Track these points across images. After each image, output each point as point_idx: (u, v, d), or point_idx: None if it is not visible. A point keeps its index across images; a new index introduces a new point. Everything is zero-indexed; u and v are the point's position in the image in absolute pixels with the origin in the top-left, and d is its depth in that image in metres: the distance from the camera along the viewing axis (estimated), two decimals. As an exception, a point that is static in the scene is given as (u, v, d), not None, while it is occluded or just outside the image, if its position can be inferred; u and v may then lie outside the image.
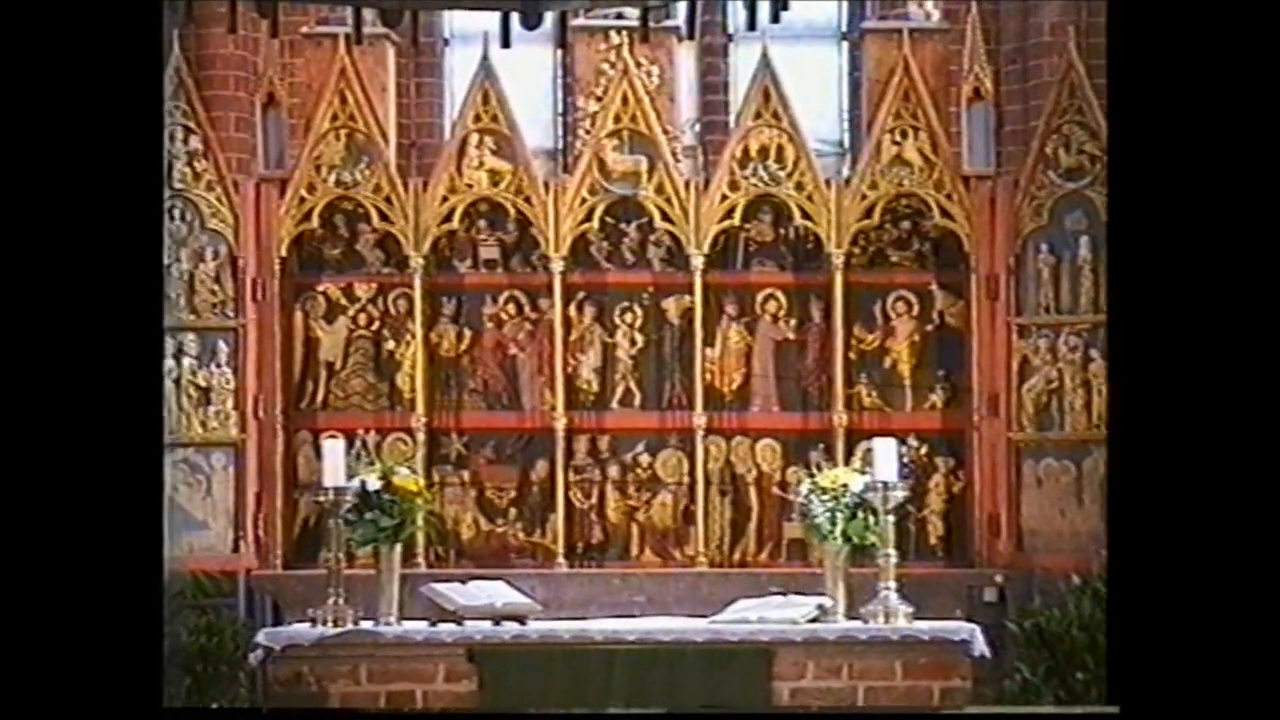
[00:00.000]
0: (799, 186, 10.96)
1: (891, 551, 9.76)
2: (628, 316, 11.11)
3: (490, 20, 7.58)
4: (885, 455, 10.00)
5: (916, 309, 11.10)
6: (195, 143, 10.97)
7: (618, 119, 11.06)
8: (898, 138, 11.00)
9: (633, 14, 9.86)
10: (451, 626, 9.80)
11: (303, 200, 10.97)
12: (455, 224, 11.05)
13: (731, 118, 12.21)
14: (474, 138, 11.04)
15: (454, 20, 13.40)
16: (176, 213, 10.97)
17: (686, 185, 10.99)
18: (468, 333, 11.15)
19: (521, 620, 9.91)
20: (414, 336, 11.04)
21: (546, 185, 11.08)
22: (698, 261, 10.92)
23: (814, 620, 9.81)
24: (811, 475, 10.43)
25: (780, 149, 11.03)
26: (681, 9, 9.66)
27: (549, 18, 7.50)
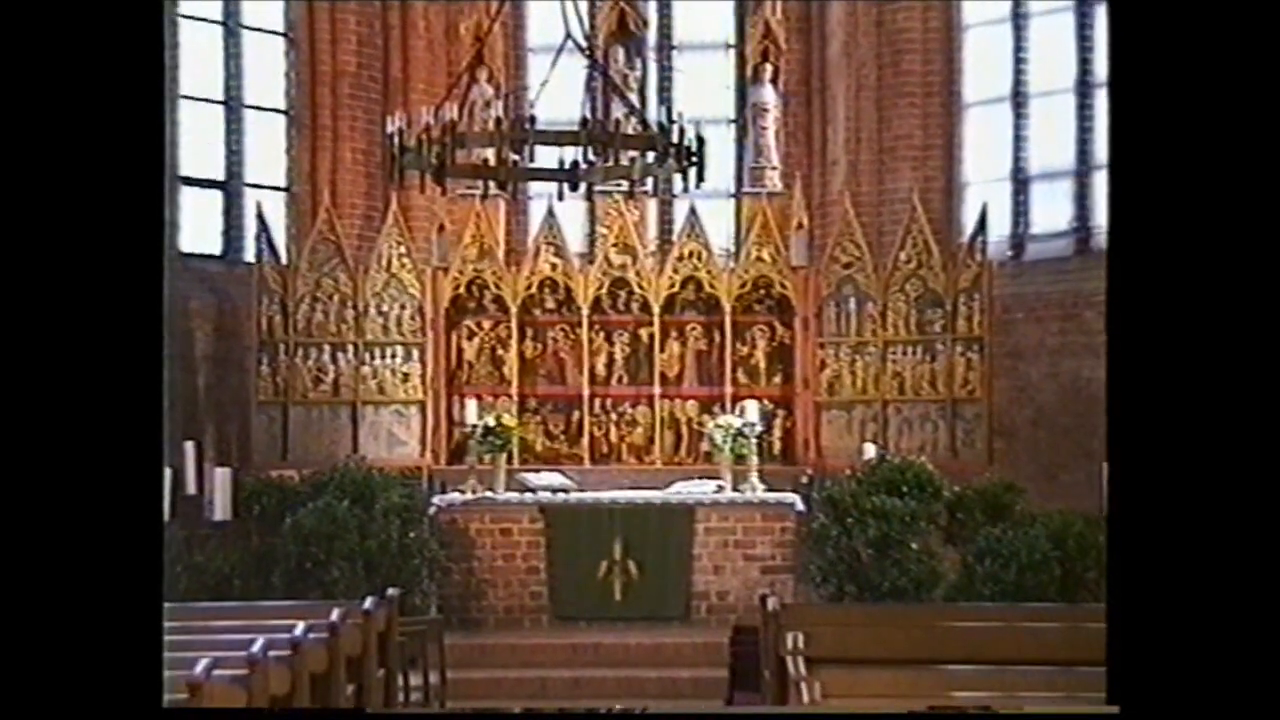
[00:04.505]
0: (709, 272, 14.00)
1: (755, 458, 12.64)
2: (621, 338, 14.10)
3: (552, 186, 9.92)
4: (751, 410, 12.96)
5: (768, 335, 14.20)
6: (401, 249, 14.10)
7: (616, 237, 14.03)
8: (759, 247, 14.09)
9: (624, 185, 11.18)
10: (530, 495, 12.60)
11: (455, 279, 14.05)
12: (533, 290, 14.06)
13: (675, 236, 14.59)
14: (543, 246, 14.09)
15: (533, 186, 13.31)
16: (393, 285, 13.90)
17: (651, 270, 13.91)
18: (539, 346, 14.17)
19: (568, 492, 12.69)
20: (513, 348, 14.04)
21: (580, 271, 13.95)
22: (656, 310, 13.84)
23: (716, 493, 12.58)
24: (714, 419, 13.19)
25: (699, 253, 14.16)
26: (650, 181, 10.90)
27: (583, 186, 9.71)
